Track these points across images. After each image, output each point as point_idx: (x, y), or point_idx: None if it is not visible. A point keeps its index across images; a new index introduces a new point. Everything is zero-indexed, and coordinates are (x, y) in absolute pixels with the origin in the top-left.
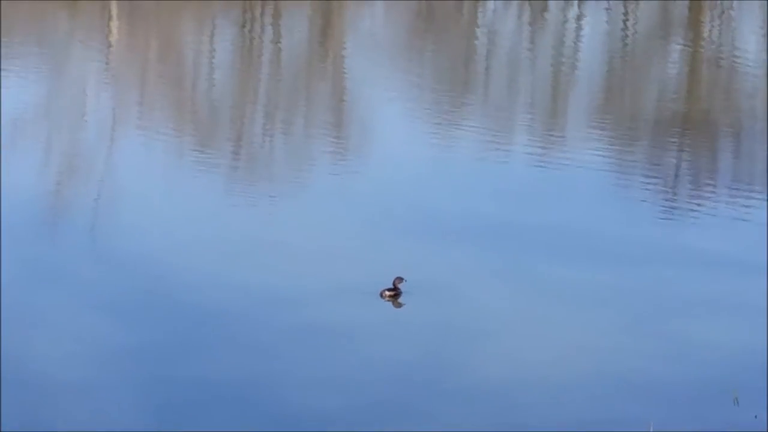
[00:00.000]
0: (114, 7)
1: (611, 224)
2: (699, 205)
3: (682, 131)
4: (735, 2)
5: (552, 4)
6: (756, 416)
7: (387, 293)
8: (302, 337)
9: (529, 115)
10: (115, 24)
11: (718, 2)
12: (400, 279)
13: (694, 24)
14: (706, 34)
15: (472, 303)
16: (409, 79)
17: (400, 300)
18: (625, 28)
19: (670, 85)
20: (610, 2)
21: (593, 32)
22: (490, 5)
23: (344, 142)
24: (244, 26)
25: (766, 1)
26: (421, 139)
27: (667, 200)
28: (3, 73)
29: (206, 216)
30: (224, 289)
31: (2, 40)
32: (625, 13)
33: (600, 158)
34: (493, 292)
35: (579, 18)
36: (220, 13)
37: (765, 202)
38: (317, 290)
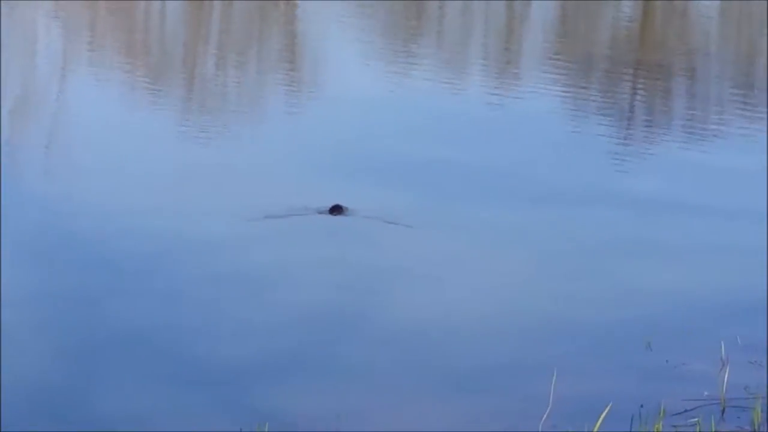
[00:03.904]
0: None
1: (559, 166)
2: (650, 146)
3: (635, 72)
4: None
5: None
6: (667, 361)
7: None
8: (219, 279)
9: (482, 58)
10: None
11: None
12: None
13: None
14: None
15: (401, 243)
16: (363, 21)
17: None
18: None
19: (623, 28)
20: None
21: None
22: None
23: (296, 81)
24: None
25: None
26: (373, 78)
27: (618, 142)
28: None
29: (152, 152)
30: (157, 229)
31: None
32: None
33: (553, 100)
34: (424, 233)
35: None
36: None
37: (714, 144)
38: (236, 226)
